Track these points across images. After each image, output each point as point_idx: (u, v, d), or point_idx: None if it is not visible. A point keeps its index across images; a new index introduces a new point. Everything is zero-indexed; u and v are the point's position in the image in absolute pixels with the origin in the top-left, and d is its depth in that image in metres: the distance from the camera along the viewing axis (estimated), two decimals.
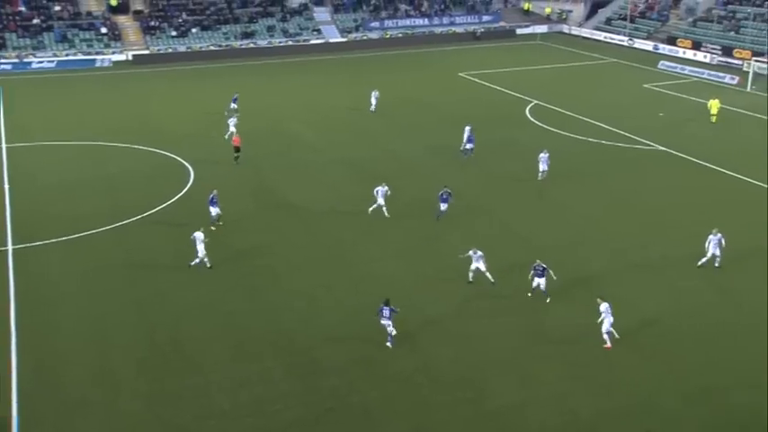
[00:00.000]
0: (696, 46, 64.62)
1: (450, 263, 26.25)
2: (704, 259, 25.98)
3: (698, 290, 24.94)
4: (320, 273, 26.51)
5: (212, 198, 29.65)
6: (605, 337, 21.60)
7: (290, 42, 71.84)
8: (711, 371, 20.69)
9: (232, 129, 40.22)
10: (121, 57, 66.19)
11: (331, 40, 72.97)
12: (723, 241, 25.80)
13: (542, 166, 34.35)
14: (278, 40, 71.75)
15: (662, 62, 61.69)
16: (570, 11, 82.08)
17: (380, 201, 30.49)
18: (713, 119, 44.06)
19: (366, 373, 20.76)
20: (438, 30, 77.01)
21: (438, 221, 29.92)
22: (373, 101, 47.17)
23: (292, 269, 26.80)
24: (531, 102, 49.74)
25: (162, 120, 46.49)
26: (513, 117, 45.61)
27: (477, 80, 57.62)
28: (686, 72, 58.59)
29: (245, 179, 35.14)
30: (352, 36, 74.34)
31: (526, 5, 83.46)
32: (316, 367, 21.08)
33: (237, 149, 37.45)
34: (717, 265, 25.91)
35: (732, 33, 63.47)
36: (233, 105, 46.12)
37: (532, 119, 45.87)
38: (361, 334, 22.49)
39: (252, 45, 70.56)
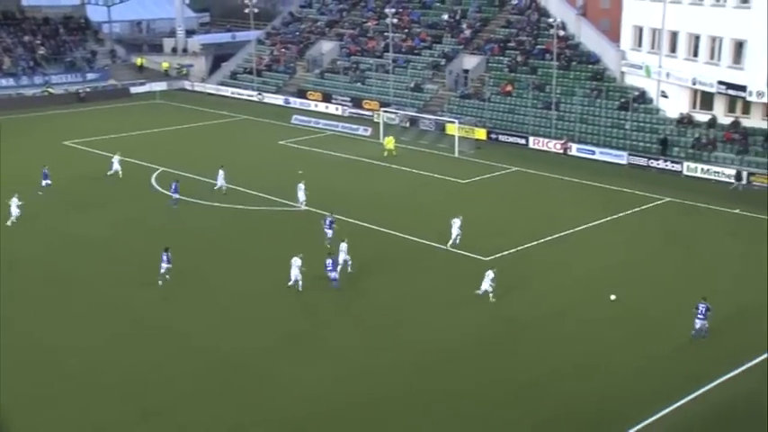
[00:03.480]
0: (327, 98, 70.34)
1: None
2: (450, 241, 35.15)
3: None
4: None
5: None
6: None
7: None
8: None
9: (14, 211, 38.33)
10: None
11: None
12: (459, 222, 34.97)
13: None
14: None
15: (295, 116, 65.80)
16: (191, 65, 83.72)
17: None
18: (386, 153, 53.22)
19: None
20: (30, 91, 72.82)
21: None
22: (116, 165, 46.62)
23: None
24: (158, 169, 48.99)
25: None
26: (138, 189, 44.38)
27: (87, 149, 55.01)
28: (320, 126, 63.21)
29: None
30: None
31: (139, 61, 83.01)
32: None
33: None
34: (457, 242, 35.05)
35: (359, 84, 70.62)
36: (45, 182, 43.74)
37: (161, 189, 45.12)
38: None
39: None
